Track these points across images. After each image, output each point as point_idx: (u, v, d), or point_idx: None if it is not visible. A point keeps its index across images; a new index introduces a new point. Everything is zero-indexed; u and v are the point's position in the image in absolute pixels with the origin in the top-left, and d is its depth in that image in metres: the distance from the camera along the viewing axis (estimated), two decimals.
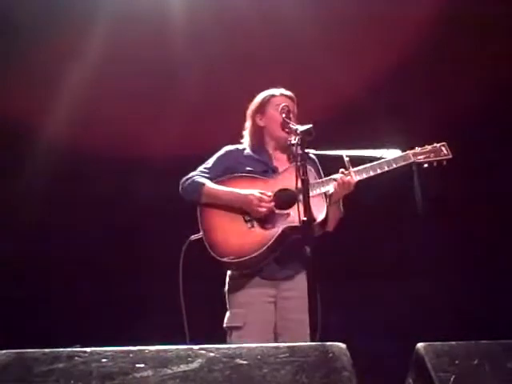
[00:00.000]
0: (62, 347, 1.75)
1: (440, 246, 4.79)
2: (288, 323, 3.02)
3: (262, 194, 3.03)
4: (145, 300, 4.74)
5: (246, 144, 3.32)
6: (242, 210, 3.05)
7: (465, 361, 1.80)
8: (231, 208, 3.06)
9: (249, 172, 3.18)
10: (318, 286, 2.45)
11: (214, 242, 3.00)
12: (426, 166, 3.07)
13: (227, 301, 3.11)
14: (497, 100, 4.64)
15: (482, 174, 4.83)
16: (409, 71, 4.67)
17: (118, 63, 4.60)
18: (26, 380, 1.66)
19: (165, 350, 1.73)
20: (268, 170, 3.21)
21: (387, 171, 3.05)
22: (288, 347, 1.74)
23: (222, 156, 3.26)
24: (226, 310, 3.11)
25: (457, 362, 1.79)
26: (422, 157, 3.07)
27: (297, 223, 2.70)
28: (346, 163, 3.03)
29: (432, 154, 3.08)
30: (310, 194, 2.68)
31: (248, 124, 3.32)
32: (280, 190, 3.06)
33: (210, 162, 3.24)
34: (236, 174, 3.18)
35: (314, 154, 3.21)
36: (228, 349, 1.75)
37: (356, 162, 3.07)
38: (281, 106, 3.12)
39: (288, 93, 3.28)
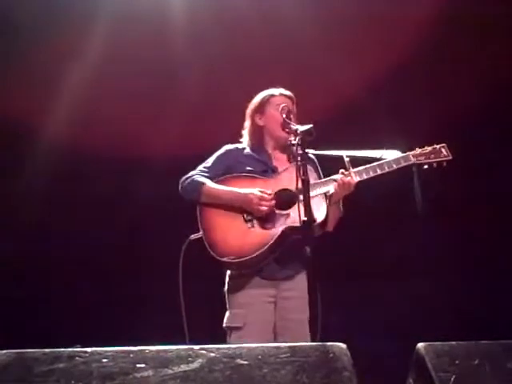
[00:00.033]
0: (62, 347, 1.75)
1: (440, 246, 4.79)
2: (288, 323, 3.02)
3: (262, 192, 3.03)
4: (145, 300, 4.74)
5: (245, 143, 3.32)
6: (242, 209, 3.05)
7: (465, 361, 1.81)
8: (231, 207, 3.06)
9: (249, 172, 3.18)
10: (319, 286, 2.45)
11: (214, 241, 3.00)
12: (425, 167, 3.07)
13: (227, 301, 3.11)
14: (497, 100, 4.65)
15: (482, 174, 4.83)
16: (409, 71, 4.67)
17: (118, 63, 4.60)
18: (27, 380, 1.66)
19: (165, 350, 1.73)
20: (268, 170, 3.21)
21: (387, 172, 3.05)
22: (288, 347, 1.74)
23: (221, 155, 3.26)
24: (225, 310, 3.10)
25: (457, 362, 1.79)
26: (422, 158, 3.07)
27: (297, 223, 2.70)
28: (347, 164, 3.03)
29: (432, 155, 3.08)
30: (311, 194, 2.67)
31: (247, 123, 3.32)
32: (280, 190, 3.06)
33: (209, 161, 3.24)
34: (236, 174, 3.17)
35: (313, 154, 3.21)
36: (228, 349, 1.75)
37: (356, 162, 3.07)
38: (281, 106, 3.12)
39: (287, 92, 3.28)
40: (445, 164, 3.08)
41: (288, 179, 2.99)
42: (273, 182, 3.12)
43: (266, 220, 3.02)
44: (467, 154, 3.87)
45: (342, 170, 3.04)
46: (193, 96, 4.69)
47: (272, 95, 3.28)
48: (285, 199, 3.02)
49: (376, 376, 3.06)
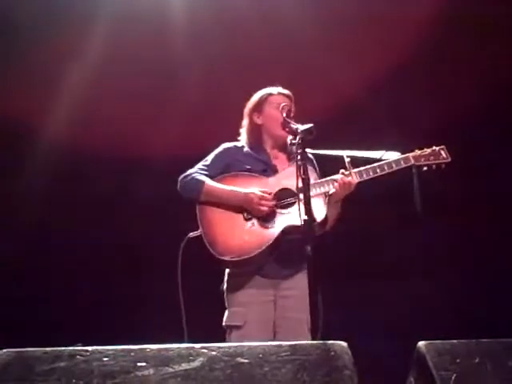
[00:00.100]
0: (62, 347, 1.75)
1: (440, 246, 4.80)
2: (286, 322, 3.02)
3: (263, 192, 3.03)
4: (145, 300, 4.74)
5: (243, 142, 3.31)
6: (243, 208, 3.04)
7: (466, 359, 1.81)
8: (231, 206, 3.05)
9: (248, 170, 3.17)
10: (319, 285, 2.45)
11: (214, 240, 2.99)
12: (425, 169, 3.08)
13: (226, 299, 3.10)
14: (497, 100, 4.65)
15: (482, 174, 4.83)
16: (409, 71, 4.67)
17: (118, 63, 4.60)
18: (28, 379, 1.66)
19: (166, 349, 1.73)
20: (267, 169, 3.20)
21: (387, 173, 3.06)
22: (289, 346, 1.74)
23: (220, 153, 3.25)
24: (224, 308, 3.10)
25: (458, 360, 1.79)
26: (421, 160, 3.08)
27: (297, 223, 2.70)
28: (347, 164, 3.04)
29: (431, 157, 3.10)
30: (311, 193, 2.67)
31: (245, 122, 3.32)
32: (281, 190, 3.06)
33: (208, 160, 3.23)
34: (235, 173, 3.17)
35: (312, 154, 3.21)
36: (229, 347, 1.75)
37: (356, 162, 3.07)
38: (281, 105, 3.12)
39: (286, 91, 3.28)
40: (444, 166, 3.10)
41: (288, 178, 2.99)
42: (273, 181, 3.12)
43: (266, 219, 3.02)
44: (467, 153, 3.88)
45: (342, 170, 3.05)
46: (193, 96, 4.69)
47: (270, 94, 3.28)
48: (285, 198, 3.02)
49: (376, 376, 3.06)
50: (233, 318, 3.02)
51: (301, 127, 2.75)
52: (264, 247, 2.94)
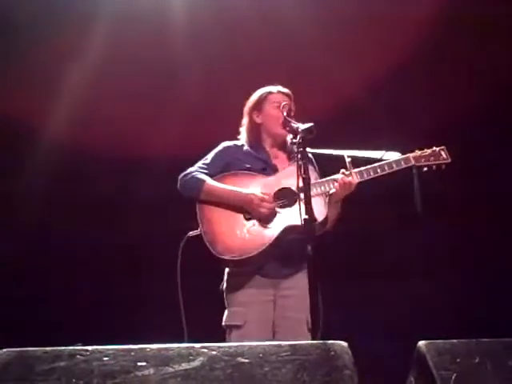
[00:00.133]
0: (62, 347, 1.75)
1: (440, 246, 4.80)
2: (285, 321, 3.01)
3: (263, 194, 3.03)
4: (145, 300, 4.74)
5: (243, 140, 3.31)
6: (243, 208, 3.04)
7: (466, 359, 1.81)
8: (231, 206, 3.05)
9: (247, 169, 3.17)
10: (319, 285, 2.44)
11: (214, 239, 2.98)
12: (425, 169, 3.08)
13: (225, 298, 3.10)
14: (497, 100, 4.65)
15: (482, 174, 4.84)
16: (409, 71, 4.67)
17: (118, 63, 4.60)
18: (28, 379, 1.66)
19: (166, 349, 1.73)
20: (267, 168, 3.20)
21: (388, 173, 3.06)
22: (289, 345, 1.74)
23: (220, 152, 3.25)
24: (223, 307, 3.09)
25: (458, 360, 1.79)
26: (421, 160, 3.08)
27: (298, 222, 2.70)
28: (348, 164, 3.03)
29: (431, 158, 3.10)
30: (311, 193, 2.67)
31: (245, 121, 3.32)
32: (281, 189, 3.06)
33: (208, 158, 3.22)
34: (235, 171, 3.16)
35: (312, 153, 3.20)
36: (229, 347, 1.75)
37: (356, 162, 3.07)
38: (282, 104, 3.12)
39: (285, 90, 3.28)
40: (444, 167, 3.10)
41: (288, 178, 2.99)
42: (273, 180, 3.12)
43: (266, 219, 3.02)
44: (467, 154, 3.88)
45: (342, 170, 3.04)
46: (193, 96, 4.69)
47: (270, 92, 3.27)
48: (285, 198, 3.02)
49: (376, 376, 3.05)
50: (233, 317, 3.02)
51: (301, 126, 2.74)
52: (264, 247, 2.93)
